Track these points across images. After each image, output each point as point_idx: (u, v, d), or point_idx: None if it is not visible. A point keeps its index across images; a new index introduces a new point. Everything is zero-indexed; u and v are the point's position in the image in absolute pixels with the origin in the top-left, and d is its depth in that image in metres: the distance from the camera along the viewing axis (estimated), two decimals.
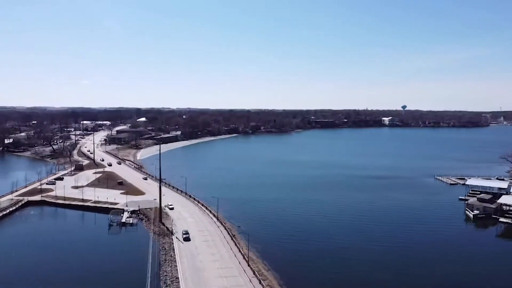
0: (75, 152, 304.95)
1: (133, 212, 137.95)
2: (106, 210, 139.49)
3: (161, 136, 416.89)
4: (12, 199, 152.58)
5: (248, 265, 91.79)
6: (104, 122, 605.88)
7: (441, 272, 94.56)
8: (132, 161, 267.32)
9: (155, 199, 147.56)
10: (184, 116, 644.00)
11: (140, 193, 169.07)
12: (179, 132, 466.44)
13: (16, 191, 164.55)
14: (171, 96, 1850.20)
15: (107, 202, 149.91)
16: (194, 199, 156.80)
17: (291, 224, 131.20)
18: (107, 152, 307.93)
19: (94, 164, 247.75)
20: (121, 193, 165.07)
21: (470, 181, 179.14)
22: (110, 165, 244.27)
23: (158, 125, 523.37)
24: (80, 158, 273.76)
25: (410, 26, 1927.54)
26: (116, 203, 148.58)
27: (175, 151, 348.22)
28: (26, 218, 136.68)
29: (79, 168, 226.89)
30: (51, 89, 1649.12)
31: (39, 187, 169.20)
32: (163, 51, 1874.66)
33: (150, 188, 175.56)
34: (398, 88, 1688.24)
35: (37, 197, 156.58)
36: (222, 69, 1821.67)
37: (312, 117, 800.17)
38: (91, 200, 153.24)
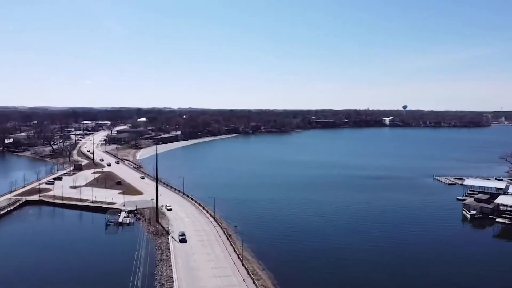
0: (74, 152, 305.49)
1: (130, 212, 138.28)
2: (103, 210, 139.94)
3: (161, 136, 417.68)
4: (10, 198, 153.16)
5: (243, 265, 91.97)
6: (105, 122, 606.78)
7: (436, 272, 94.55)
8: (131, 161, 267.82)
9: (152, 199, 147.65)
10: (184, 116, 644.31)
11: (138, 193, 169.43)
12: (179, 132, 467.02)
13: (15, 190, 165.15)
14: (172, 96, 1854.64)
15: (105, 202, 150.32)
16: (192, 199, 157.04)
17: (288, 224, 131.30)
18: (106, 152, 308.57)
19: (93, 164, 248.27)
20: (119, 193, 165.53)
21: (468, 181, 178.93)
22: (109, 165, 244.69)
23: (158, 125, 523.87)
24: (79, 158, 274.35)
25: (410, 26, 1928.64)
26: (113, 203, 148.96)
27: (174, 151, 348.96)
28: (24, 218, 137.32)
29: (78, 168, 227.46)
30: (51, 89, 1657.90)
31: (38, 187, 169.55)
32: (163, 51, 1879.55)
33: (148, 188, 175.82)
34: (398, 88, 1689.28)
35: (35, 197, 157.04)
36: (222, 69, 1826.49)
37: (313, 117, 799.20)
38: (89, 200, 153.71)
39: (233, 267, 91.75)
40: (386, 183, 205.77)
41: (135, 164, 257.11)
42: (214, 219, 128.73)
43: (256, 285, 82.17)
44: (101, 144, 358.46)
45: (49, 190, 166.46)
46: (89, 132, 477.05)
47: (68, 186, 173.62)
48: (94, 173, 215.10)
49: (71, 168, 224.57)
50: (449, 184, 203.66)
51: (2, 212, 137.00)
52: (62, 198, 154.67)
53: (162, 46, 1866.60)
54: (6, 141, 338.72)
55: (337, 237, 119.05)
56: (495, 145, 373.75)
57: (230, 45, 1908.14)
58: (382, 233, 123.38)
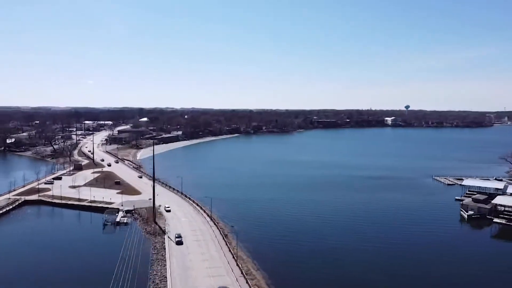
0: (75, 152, 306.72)
1: (128, 211, 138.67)
2: (101, 210, 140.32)
3: (162, 136, 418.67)
4: (9, 198, 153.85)
5: (237, 265, 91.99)
6: (106, 122, 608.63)
7: (436, 273, 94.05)
8: (131, 161, 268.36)
9: (150, 199, 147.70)
10: (186, 116, 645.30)
11: (137, 192, 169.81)
12: (180, 132, 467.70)
13: (14, 190, 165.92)
14: (174, 96, 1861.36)
15: (103, 202, 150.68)
16: (189, 198, 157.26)
17: (286, 224, 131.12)
18: (107, 152, 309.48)
19: (93, 164, 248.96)
20: (117, 193, 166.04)
21: (467, 182, 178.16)
22: (109, 165, 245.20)
23: (159, 125, 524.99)
24: (80, 158, 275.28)
25: (410, 26, 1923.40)
26: (111, 203, 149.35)
27: (175, 151, 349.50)
28: (22, 217, 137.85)
29: (78, 168, 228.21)
30: (52, 89, 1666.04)
31: (37, 186, 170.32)
32: (164, 51, 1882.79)
33: (147, 188, 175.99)
34: (399, 88, 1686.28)
35: (34, 197, 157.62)
36: (222, 69, 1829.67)
37: (314, 117, 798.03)
38: (87, 199, 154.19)
39: (227, 267, 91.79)
40: (386, 183, 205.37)
41: (135, 164, 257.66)
42: (211, 219, 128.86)
43: (249, 284, 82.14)
44: (102, 144, 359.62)
45: (48, 190, 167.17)
46: (90, 132, 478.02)
47: (67, 186, 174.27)
48: (93, 173, 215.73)
49: (71, 168, 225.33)
50: (448, 184, 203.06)
51: (1, 212, 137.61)
52: (61, 198, 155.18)
53: (162, 46, 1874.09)
54: (8, 141, 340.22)
55: (335, 237, 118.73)
56: (497, 145, 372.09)
57: (230, 45, 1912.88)
58: (380, 233, 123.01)
